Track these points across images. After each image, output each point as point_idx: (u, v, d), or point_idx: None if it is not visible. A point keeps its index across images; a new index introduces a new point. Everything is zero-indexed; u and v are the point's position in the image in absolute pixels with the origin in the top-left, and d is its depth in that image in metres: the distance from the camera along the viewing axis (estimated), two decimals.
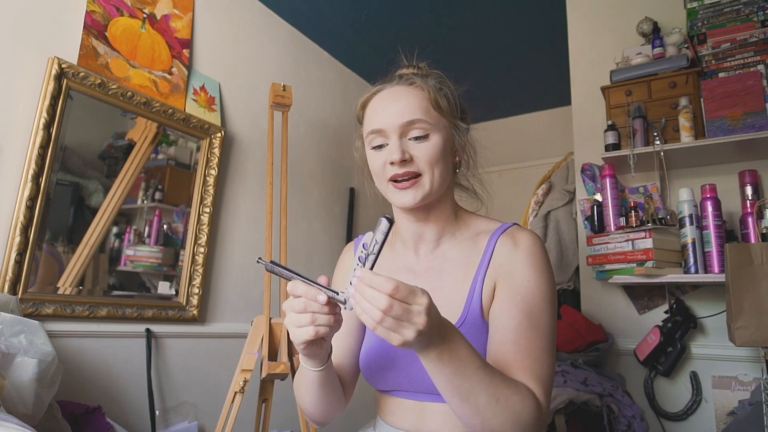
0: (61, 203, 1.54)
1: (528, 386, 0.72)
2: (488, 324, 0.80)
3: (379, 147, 0.82)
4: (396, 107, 0.80)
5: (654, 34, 1.84)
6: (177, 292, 1.86)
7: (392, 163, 0.79)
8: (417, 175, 0.79)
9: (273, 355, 1.72)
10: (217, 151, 2.01)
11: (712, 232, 1.55)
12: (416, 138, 0.80)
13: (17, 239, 1.41)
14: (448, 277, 0.84)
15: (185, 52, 1.96)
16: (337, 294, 0.62)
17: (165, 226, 1.87)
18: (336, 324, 0.65)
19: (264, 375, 1.68)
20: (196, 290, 1.90)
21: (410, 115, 0.79)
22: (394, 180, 0.80)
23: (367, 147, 0.85)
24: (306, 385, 0.80)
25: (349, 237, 2.82)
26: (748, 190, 1.59)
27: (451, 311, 0.81)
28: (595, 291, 1.92)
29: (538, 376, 0.74)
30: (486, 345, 0.79)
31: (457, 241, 0.87)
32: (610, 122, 1.80)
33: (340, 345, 0.91)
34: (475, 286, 0.81)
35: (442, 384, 0.66)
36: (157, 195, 1.84)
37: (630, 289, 1.85)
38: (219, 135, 2.02)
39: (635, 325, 1.82)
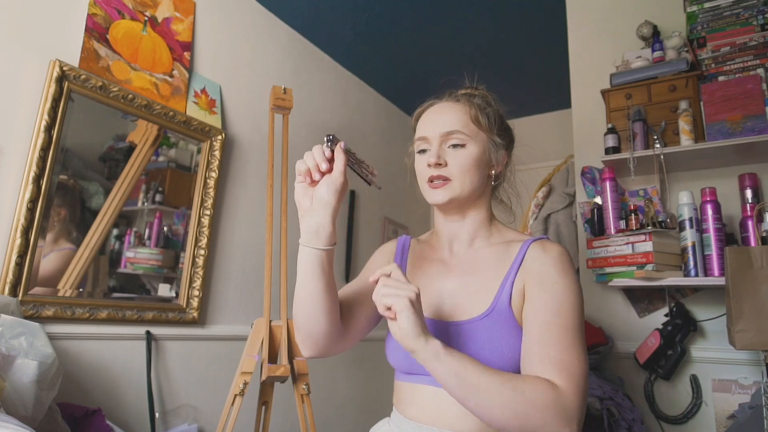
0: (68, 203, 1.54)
1: (543, 376, 0.75)
2: (515, 321, 0.85)
3: (423, 151, 0.94)
4: (440, 119, 0.93)
5: (654, 37, 1.84)
6: (177, 294, 1.86)
7: (429, 165, 0.90)
8: (448, 179, 0.90)
9: (273, 358, 1.72)
10: (217, 153, 2.01)
11: (712, 236, 1.55)
12: (453, 146, 0.91)
13: (18, 241, 1.41)
14: (479, 273, 0.92)
15: (186, 54, 1.97)
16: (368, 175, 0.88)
17: (165, 228, 1.87)
18: (317, 177, 0.82)
19: (264, 378, 1.68)
20: (196, 292, 1.90)
21: (450, 126, 0.91)
22: (430, 180, 0.91)
23: (415, 152, 0.98)
24: (300, 272, 0.85)
25: (350, 239, 2.82)
26: (748, 193, 1.59)
27: (480, 302, 0.88)
28: (595, 294, 1.92)
29: (562, 364, 0.76)
30: (509, 338, 0.84)
31: (489, 244, 0.95)
32: (610, 125, 1.80)
33: (354, 290, 0.98)
34: (505, 283, 0.88)
35: (450, 381, 0.74)
36: (158, 197, 1.84)
37: (630, 292, 1.85)
38: (220, 137, 2.02)
39: (635, 328, 1.82)
